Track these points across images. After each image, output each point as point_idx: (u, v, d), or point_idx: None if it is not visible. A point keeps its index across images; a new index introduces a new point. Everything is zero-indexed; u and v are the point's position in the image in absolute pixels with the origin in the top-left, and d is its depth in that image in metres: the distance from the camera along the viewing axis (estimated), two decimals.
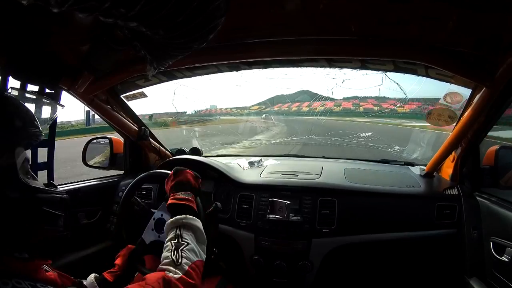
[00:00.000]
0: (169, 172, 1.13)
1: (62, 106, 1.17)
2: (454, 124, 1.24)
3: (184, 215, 0.82)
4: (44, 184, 0.75)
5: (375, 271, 1.42)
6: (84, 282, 0.97)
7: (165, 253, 0.73)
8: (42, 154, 1.20)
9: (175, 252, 0.72)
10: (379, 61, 1.17)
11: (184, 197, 0.89)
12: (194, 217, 0.83)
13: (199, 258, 0.77)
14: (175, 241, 0.76)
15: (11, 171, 0.61)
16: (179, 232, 0.78)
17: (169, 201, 0.88)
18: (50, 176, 1.26)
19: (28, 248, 0.69)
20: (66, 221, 0.75)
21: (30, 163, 0.73)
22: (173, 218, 0.81)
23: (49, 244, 0.74)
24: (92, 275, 1.00)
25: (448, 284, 1.31)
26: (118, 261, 1.08)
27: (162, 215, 1.08)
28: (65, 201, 0.74)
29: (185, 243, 0.76)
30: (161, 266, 0.72)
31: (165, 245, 0.77)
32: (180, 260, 0.72)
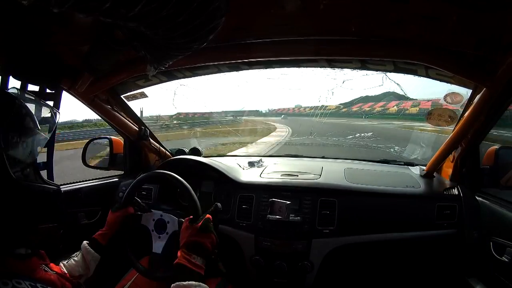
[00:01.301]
0: (169, 173, 1.13)
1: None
2: (454, 124, 1.24)
3: (198, 283, 0.82)
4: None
5: (375, 271, 1.42)
6: (78, 255, 1.00)
7: None
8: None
9: None
10: (379, 62, 1.17)
11: (199, 264, 0.88)
12: (206, 286, 0.83)
13: None
14: None
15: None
16: None
17: (183, 261, 0.87)
18: (50, 176, 1.27)
19: (28, 244, 0.70)
20: (58, 214, 0.76)
21: None
22: (186, 283, 0.81)
23: (48, 241, 0.75)
24: (85, 242, 1.03)
25: (448, 284, 1.30)
26: (109, 218, 1.11)
27: (168, 222, 1.11)
28: (56, 194, 0.75)
29: None
30: None
31: None
32: None
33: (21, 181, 0.69)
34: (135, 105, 1.60)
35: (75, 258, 0.99)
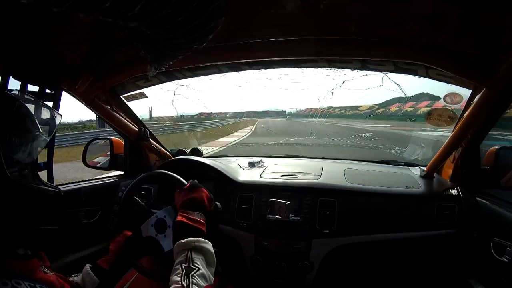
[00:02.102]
0: (169, 173, 1.13)
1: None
2: (454, 124, 1.24)
3: (196, 238, 0.80)
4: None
5: (375, 271, 1.42)
6: (79, 276, 0.98)
7: (174, 277, 0.71)
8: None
9: (186, 278, 0.70)
10: (379, 62, 1.17)
11: (197, 219, 0.87)
12: (207, 240, 0.82)
13: (209, 283, 0.75)
14: (186, 264, 0.74)
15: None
16: (190, 255, 0.76)
17: (180, 219, 0.86)
18: (50, 176, 1.26)
19: (29, 245, 0.70)
20: (59, 216, 0.76)
21: None
22: (185, 240, 0.79)
23: (48, 242, 0.75)
24: (87, 266, 1.01)
25: (448, 284, 1.30)
26: (112, 246, 1.09)
27: (165, 217, 1.09)
28: (57, 196, 0.75)
29: (196, 268, 0.74)
30: None
31: (174, 267, 0.75)
32: (190, 287, 0.70)
33: (18, 181, 0.69)
34: (138, 106, 1.61)
35: (75, 278, 0.97)
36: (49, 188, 0.76)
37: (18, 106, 0.70)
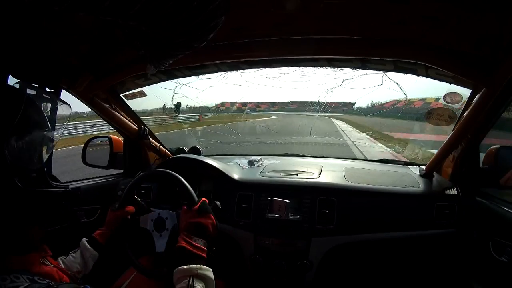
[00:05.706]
0: (185, 183, 1.12)
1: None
2: (454, 124, 1.24)
3: (199, 265, 0.80)
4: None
5: (374, 270, 1.42)
6: (77, 252, 1.01)
7: None
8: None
9: None
10: (379, 61, 1.17)
11: (200, 246, 0.86)
12: (208, 268, 0.81)
13: None
14: None
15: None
16: (191, 283, 0.76)
17: (183, 244, 0.85)
18: (49, 168, 1.27)
19: (32, 243, 0.69)
20: (68, 214, 0.75)
21: None
22: (187, 267, 0.78)
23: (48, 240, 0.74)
24: (84, 240, 1.04)
25: (446, 283, 1.31)
26: (109, 217, 1.11)
27: (166, 218, 1.11)
28: (66, 194, 0.74)
29: None
30: None
31: None
32: None
33: (28, 187, 0.65)
34: (136, 104, 1.61)
35: (74, 255, 0.99)
36: (57, 190, 0.74)
37: (26, 104, 0.65)
